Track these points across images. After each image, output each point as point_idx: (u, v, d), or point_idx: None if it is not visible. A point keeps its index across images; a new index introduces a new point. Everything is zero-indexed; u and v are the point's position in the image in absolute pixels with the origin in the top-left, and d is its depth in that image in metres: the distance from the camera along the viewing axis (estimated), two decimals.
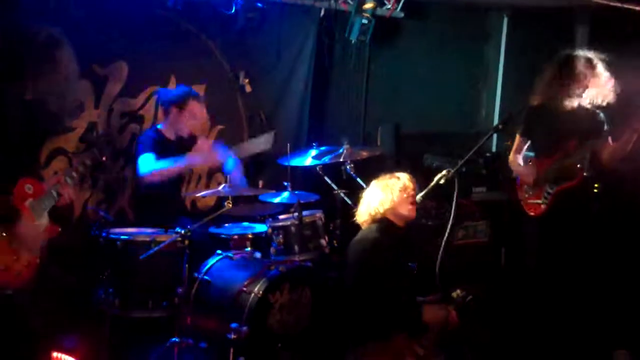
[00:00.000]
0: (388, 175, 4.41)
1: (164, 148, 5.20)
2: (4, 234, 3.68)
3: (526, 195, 5.35)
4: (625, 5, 5.71)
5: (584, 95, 5.19)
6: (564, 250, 5.29)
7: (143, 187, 5.16)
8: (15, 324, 3.85)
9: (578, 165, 5.18)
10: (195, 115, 5.33)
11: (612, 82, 5.19)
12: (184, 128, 5.33)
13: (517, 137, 5.46)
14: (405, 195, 4.32)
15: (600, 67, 5.19)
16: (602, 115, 5.24)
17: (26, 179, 3.77)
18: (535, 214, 5.26)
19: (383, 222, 4.33)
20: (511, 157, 5.42)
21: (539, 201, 5.29)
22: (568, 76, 5.18)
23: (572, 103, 5.22)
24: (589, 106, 5.22)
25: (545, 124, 5.37)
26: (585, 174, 5.23)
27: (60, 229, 3.96)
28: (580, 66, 5.19)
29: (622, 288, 5.81)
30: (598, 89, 5.17)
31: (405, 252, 4.41)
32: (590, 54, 5.29)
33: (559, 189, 5.22)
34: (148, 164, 5.06)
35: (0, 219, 3.69)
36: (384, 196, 4.32)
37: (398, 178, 4.37)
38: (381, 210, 4.31)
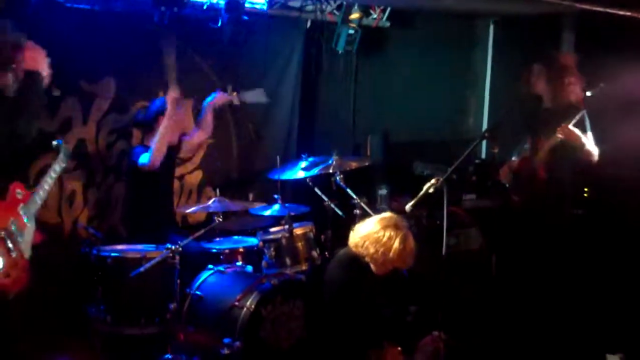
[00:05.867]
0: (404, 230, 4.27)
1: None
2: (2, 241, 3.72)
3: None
4: (610, 10, 5.75)
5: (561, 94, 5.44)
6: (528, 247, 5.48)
7: (140, 194, 5.17)
8: (10, 337, 3.88)
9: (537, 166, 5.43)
10: (183, 112, 5.34)
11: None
12: (176, 128, 5.29)
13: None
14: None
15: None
16: (581, 113, 5.34)
17: (16, 184, 3.82)
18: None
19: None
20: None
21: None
22: (551, 75, 5.46)
23: (549, 101, 5.50)
24: (567, 104, 5.42)
25: (535, 120, 5.63)
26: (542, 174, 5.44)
27: (46, 238, 4.01)
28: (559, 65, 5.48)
29: (613, 292, 5.82)
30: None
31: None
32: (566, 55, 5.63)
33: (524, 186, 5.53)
34: (145, 154, 5.07)
35: None
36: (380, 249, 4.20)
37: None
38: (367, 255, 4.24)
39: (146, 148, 5.24)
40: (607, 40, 6.20)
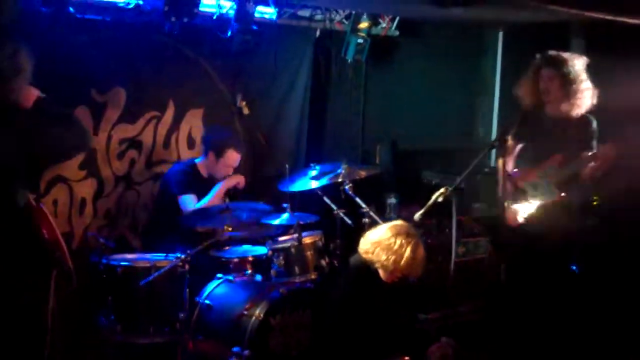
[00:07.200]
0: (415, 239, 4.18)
1: (198, 185, 5.32)
2: None
3: (507, 205, 5.08)
4: (619, 18, 5.72)
5: (575, 102, 4.96)
6: (536, 267, 5.12)
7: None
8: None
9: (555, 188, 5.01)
10: (231, 165, 5.42)
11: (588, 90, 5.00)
12: (218, 174, 5.41)
13: (509, 139, 5.13)
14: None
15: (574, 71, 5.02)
16: (594, 125, 5.03)
17: None
18: (513, 225, 5.08)
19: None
20: (500, 161, 5.09)
21: (518, 217, 5.09)
22: (561, 81, 5.00)
23: (559, 110, 5.02)
24: (579, 114, 4.99)
25: (533, 131, 5.15)
26: (562, 195, 5.01)
27: None
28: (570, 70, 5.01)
29: (628, 300, 5.78)
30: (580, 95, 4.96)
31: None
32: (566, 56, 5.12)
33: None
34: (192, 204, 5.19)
35: None
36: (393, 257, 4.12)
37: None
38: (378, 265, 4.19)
39: (191, 168, 5.35)
40: (618, 46, 6.18)
